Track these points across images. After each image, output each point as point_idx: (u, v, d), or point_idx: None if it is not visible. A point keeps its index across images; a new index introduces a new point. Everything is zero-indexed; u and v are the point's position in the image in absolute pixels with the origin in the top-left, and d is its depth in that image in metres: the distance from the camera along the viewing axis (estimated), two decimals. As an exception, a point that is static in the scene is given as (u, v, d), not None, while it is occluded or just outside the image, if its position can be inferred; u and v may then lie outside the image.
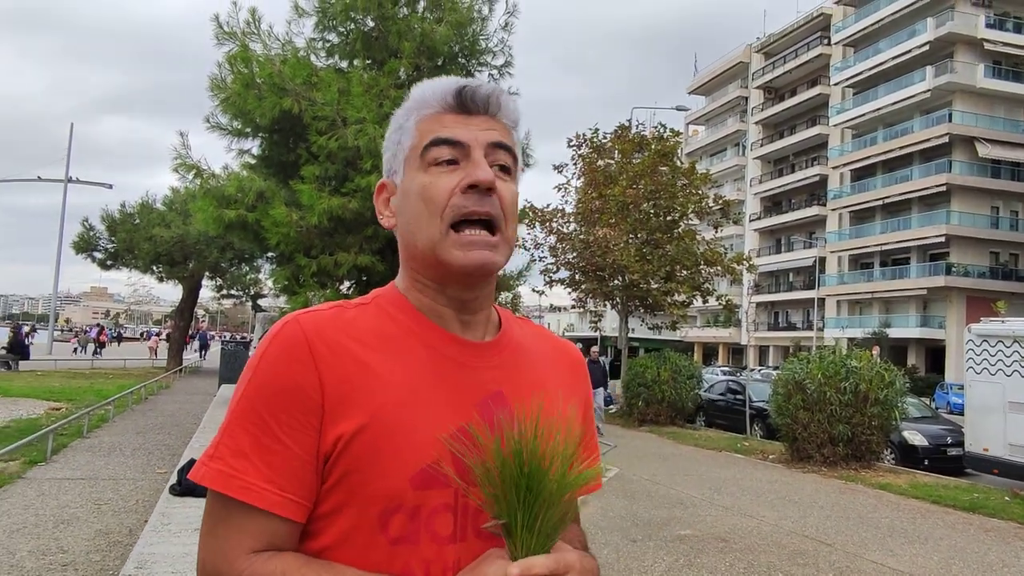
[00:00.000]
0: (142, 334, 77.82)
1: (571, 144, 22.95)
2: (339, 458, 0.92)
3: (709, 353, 63.29)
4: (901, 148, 44.83)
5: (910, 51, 44.14)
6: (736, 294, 37.80)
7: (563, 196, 23.07)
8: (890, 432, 12.85)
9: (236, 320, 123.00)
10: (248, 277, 33.29)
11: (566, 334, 39.11)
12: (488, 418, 0.97)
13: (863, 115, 47.77)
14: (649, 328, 23.87)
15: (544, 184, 67.49)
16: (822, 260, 50.14)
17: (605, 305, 25.12)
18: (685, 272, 21.80)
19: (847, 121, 49.40)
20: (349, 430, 0.92)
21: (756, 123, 61.23)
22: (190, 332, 44.35)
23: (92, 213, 30.00)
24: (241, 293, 36.81)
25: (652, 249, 21.09)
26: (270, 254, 12.15)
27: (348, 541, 0.93)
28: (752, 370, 31.81)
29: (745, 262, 23.70)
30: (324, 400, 0.92)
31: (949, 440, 13.82)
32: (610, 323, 32.46)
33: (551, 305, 57.86)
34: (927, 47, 43.14)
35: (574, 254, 21.89)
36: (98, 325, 54.79)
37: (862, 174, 48.93)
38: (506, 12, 11.82)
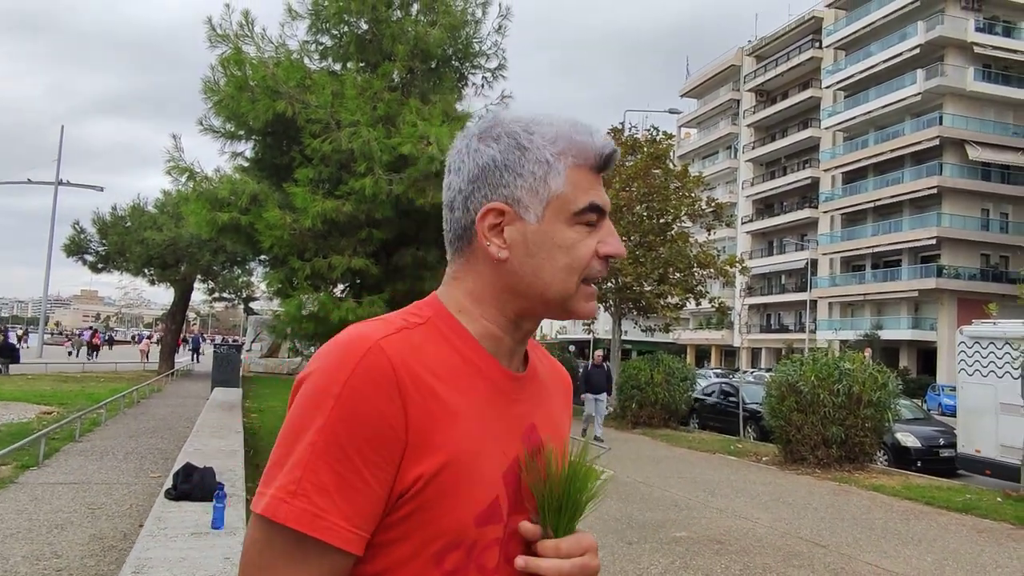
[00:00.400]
0: (133, 337, 77.37)
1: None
2: (414, 496, 0.91)
3: (701, 355, 63.41)
4: (892, 151, 45.04)
5: (901, 54, 44.38)
6: (728, 296, 37.86)
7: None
8: (883, 434, 12.91)
9: (227, 323, 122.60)
10: (240, 280, 33.19)
11: (559, 337, 39.13)
12: (530, 450, 1.03)
13: (854, 118, 47.99)
14: (642, 330, 23.90)
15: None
16: (814, 262, 50.33)
17: (598, 307, 25.14)
18: (678, 274, 21.86)
19: (838, 124, 49.61)
20: (430, 470, 0.91)
21: (748, 126, 61.44)
22: (182, 335, 44.21)
23: (83, 216, 29.87)
24: (233, 296, 36.69)
25: (645, 251, 21.14)
26: (263, 257, 12.11)
27: (398, 572, 0.93)
28: (744, 372, 31.89)
29: (738, 264, 23.77)
30: (408, 437, 0.91)
31: (941, 441, 13.89)
32: (603, 325, 32.49)
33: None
34: (917, 50, 43.39)
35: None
36: (91, 328, 54.55)
37: (853, 176, 49.13)
38: (499, 15, 11.84)
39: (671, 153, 23.40)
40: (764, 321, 59.49)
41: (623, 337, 24.07)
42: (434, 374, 0.95)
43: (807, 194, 55.12)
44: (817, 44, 53.96)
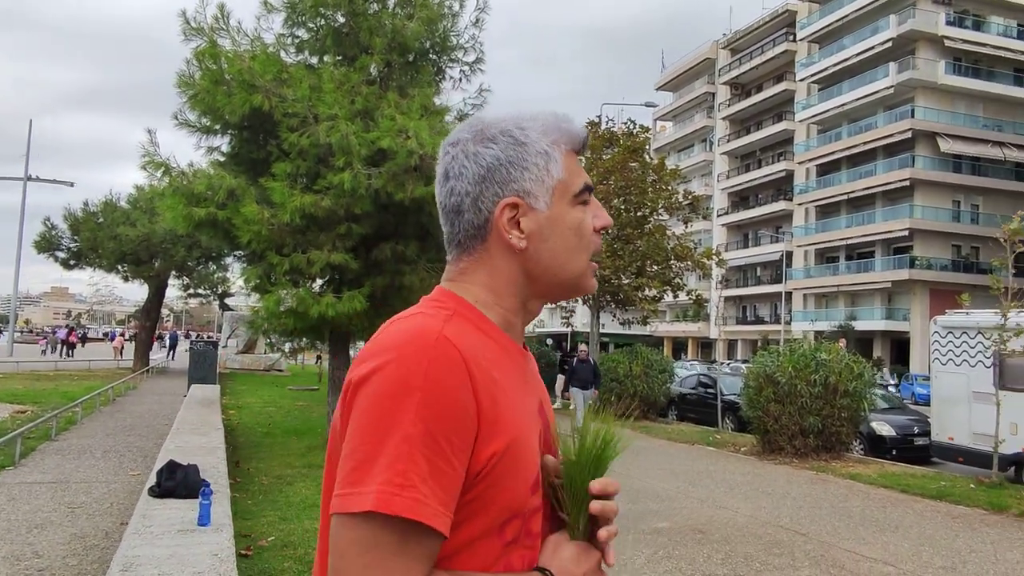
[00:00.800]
0: (105, 334, 76.40)
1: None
2: (486, 476, 0.96)
3: (678, 348, 63.78)
4: (865, 143, 45.55)
5: (873, 48, 44.82)
6: (705, 289, 38.10)
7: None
8: (859, 423, 13.08)
9: (202, 319, 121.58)
10: (216, 276, 32.90)
11: (537, 330, 39.17)
12: (544, 424, 1.12)
13: (828, 111, 48.44)
14: (620, 323, 24.00)
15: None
16: (789, 254, 50.81)
17: (576, 300, 25.22)
18: (656, 267, 21.97)
19: (812, 117, 50.07)
20: (499, 449, 0.97)
21: (723, 119, 61.79)
22: (157, 332, 43.71)
23: (54, 212, 29.37)
24: (208, 292, 36.36)
25: (623, 244, 21.23)
26: (240, 252, 12.01)
27: (470, 547, 0.98)
28: (722, 364, 32.12)
29: (715, 257, 23.93)
30: (480, 421, 0.96)
31: (916, 430, 14.09)
32: (581, 318, 32.57)
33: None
34: (890, 44, 43.83)
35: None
36: (68, 326, 53.71)
37: (827, 169, 49.63)
38: (476, 8, 11.82)
39: (647, 146, 23.49)
40: (740, 313, 59.96)
41: (601, 330, 24.17)
42: (487, 359, 1.01)
43: (782, 187, 55.57)
44: (791, 37, 54.33)
